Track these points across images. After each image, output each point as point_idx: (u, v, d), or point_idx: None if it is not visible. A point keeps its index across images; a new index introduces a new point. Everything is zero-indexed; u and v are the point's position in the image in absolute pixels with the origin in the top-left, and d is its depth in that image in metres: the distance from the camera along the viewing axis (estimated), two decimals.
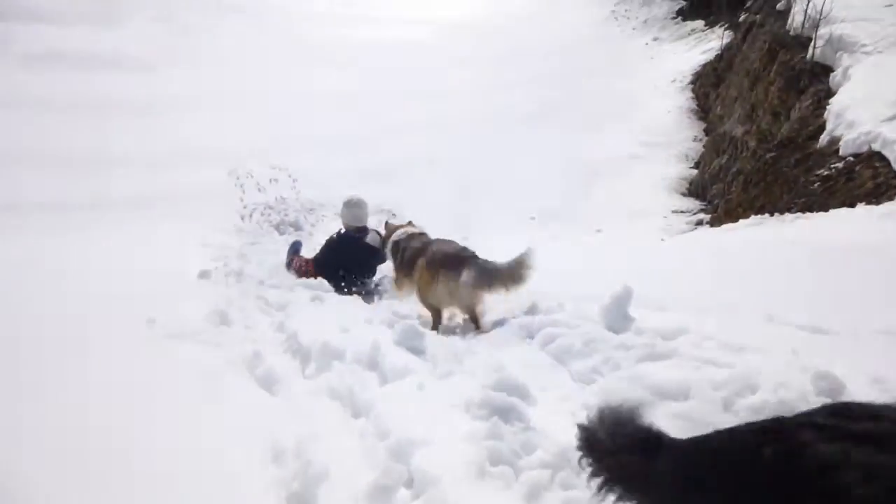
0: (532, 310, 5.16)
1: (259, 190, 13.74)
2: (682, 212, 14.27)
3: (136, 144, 15.57)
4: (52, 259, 8.25)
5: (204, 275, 6.97)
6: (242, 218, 12.75)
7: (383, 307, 6.31)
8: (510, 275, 5.10)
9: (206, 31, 23.93)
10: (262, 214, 13.11)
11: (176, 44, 22.23)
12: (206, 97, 18.71)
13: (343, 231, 7.59)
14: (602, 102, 20.57)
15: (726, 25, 21.75)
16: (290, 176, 14.18)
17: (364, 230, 7.54)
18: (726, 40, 20.37)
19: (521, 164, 16.76)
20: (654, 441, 1.36)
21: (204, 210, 12.69)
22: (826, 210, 8.18)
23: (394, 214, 13.07)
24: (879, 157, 8.19)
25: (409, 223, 6.92)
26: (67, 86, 17.67)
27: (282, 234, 12.42)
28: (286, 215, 13.20)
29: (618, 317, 4.23)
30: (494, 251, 5.74)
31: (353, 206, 7.64)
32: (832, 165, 9.33)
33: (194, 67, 20.73)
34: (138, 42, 21.76)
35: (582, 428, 1.60)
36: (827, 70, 11.61)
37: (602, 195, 15.28)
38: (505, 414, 3.03)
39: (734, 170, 13.78)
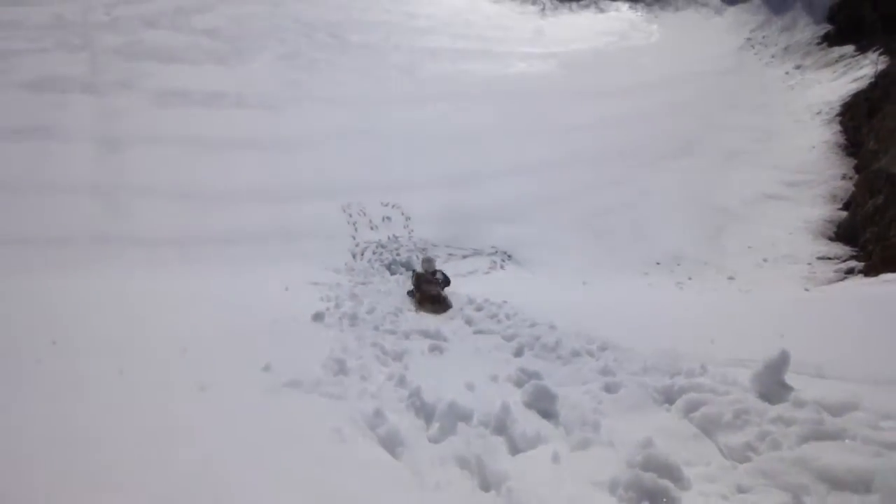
0: (670, 371, 4.86)
1: (371, 228, 14.10)
2: (828, 258, 13.30)
3: (256, 180, 16.48)
4: (168, 293, 8.75)
5: (318, 317, 7.03)
6: (354, 256, 13.14)
7: (508, 362, 6.03)
8: None
9: (330, 67, 25.25)
10: (374, 253, 13.38)
11: (299, 80, 23.55)
12: (326, 133, 19.58)
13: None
14: (737, 137, 19.74)
15: (881, 50, 20.47)
16: (402, 214, 14.53)
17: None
18: (881, 66, 19.17)
19: (647, 203, 16.24)
20: None
21: (316, 246, 13.35)
22: None
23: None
24: None
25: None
26: (195, 122, 19.11)
27: (393, 273, 12.68)
28: (398, 255, 13.36)
29: (772, 384, 3.90)
30: (613, 298, 5.49)
31: (427, 262, 10.73)
32: None
33: (315, 104, 21.86)
34: (263, 80, 23.22)
35: None
36: None
37: (735, 238, 14.58)
38: (655, 499, 2.84)
39: (893, 211, 12.75)
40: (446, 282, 10.21)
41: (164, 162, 16.44)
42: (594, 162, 18.59)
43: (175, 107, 19.92)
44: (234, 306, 7.57)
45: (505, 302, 8.46)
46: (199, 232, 13.41)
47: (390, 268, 12.90)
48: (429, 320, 8.06)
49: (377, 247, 13.59)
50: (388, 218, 14.40)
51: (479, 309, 8.34)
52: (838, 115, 19.37)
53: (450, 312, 8.72)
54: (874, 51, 20.93)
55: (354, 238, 13.61)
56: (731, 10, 29.80)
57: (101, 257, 11.95)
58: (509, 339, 6.67)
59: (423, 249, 13.72)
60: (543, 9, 33.87)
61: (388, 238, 13.91)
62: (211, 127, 18.91)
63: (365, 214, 14.35)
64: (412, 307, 9.11)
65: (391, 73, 25.48)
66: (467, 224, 14.65)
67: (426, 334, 6.87)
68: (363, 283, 11.44)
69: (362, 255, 13.16)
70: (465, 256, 13.70)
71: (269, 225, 14.02)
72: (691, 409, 4.01)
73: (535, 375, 5.22)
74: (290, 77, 23.75)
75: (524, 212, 15.62)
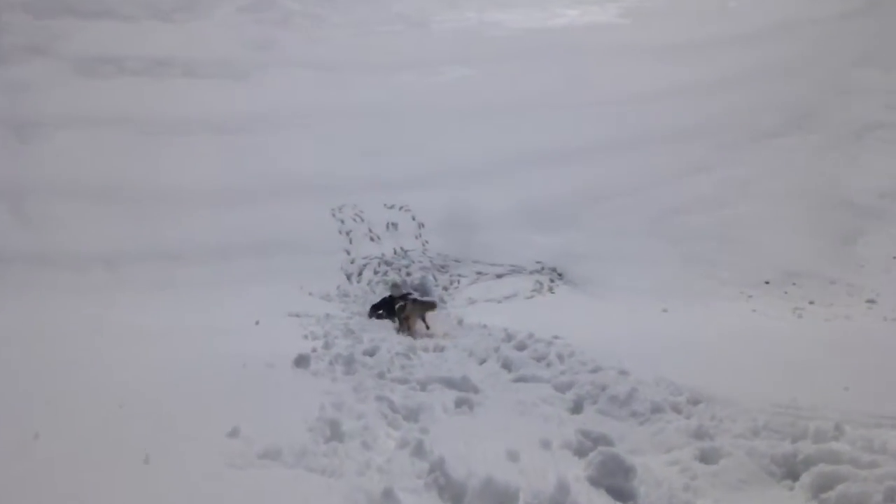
0: (790, 433, 4.85)
1: (372, 238, 14.18)
2: None
3: (214, 175, 16.46)
4: (97, 329, 8.76)
5: (302, 361, 7.03)
6: (349, 277, 13.15)
7: (563, 421, 5.99)
8: None
9: (311, 21, 25.26)
10: (376, 272, 13.39)
11: (270, 39, 23.54)
12: (307, 111, 19.56)
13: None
14: (872, 105, 19.53)
15: None
16: (414, 219, 14.60)
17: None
18: None
19: (746, 197, 16.12)
20: None
21: (298, 264, 13.38)
22: None
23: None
24: None
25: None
26: (130, 98, 19.13)
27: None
28: (408, 274, 13.39)
29: None
30: (705, 331, 5.49)
31: (396, 287, 12.10)
32: None
33: (292, 72, 21.86)
34: (221, 40, 23.21)
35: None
36: None
37: (873, 246, 14.35)
38: None
39: None
40: (424, 304, 11.19)
41: (90, 152, 16.54)
42: (670, 143, 18.53)
43: (103, 78, 20.06)
44: (187, 347, 7.57)
45: (556, 338, 8.44)
46: (137, 246, 13.52)
47: (397, 291, 12.77)
48: (450, 363, 8.03)
49: (380, 264, 13.66)
50: (394, 225, 14.50)
51: (521, 348, 8.28)
52: None
53: (470, 341, 9.10)
54: None
55: (349, 253, 13.72)
56: None
57: (4, 281, 12.02)
58: (564, 388, 6.66)
59: (443, 267, 13.80)
60: None
61: (395, 252, 13.99)
62: (152, 104, 19.00)
63: (363, 220, 14.46)
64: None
65: (395, 28, 25.52)
66: (501, 231, 14.71)
67: (449, 383, 6.83)
68: (361, 314, 11.50)
69: (360, 275, 13.21)
70: (499, 276, 13.71)
71: (232, 236, 14.12)
72: (824, 487, 4.00)
73: (603, 440, 5.16)
74: (256, 35, 23.78)
75: (578, 213, 15.59)
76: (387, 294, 11.93)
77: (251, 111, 19.39)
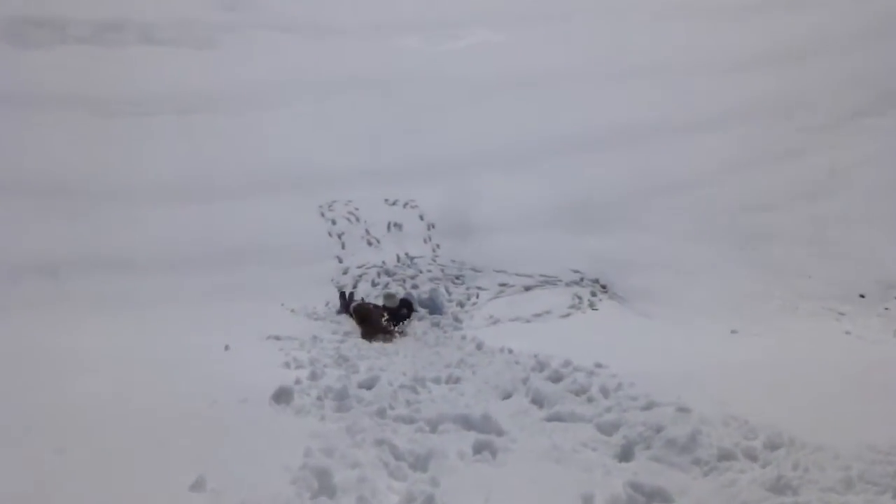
0: (892, 484, 4.87)
1: (369, 242, 14.35)
2: None
3: (171, 164, 16.56)
4: (21, 354, 8.67)
5: (282, 396, 6.99)
6: (342, 292, 13.21)
7: (610, 470, 5.94)
8: None
9: None
10: (375, 284, 13.50)
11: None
12: (286, 85, 19.69)
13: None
14: None
15: None
16: (422, 218, 14.82)
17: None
18: None
19: (838, 189, 16.23)
20: None
21: (277, 275, 13.52)
22: None
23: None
24: None
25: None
26: (74, 70, 19.14)
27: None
28: (415, 286, 13.53)
29: None
30: (785, 358, 5.47)
31: (389, 298, 12.75)
32: None
33: (268, 37, 21.90)
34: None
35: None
36: None
37: None
38: None
39: None
40: (404, 312, 12.54)
41: (22, 138, 16.62)
42: (740, 123, 18.57)
43: (39, 46, 20.07)
44: (141, 378, 7.55)
45: (599, 366, 8.46)
46: (81, 253, 13.54)
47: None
48: (468, 398, 7.95)
49: (380, 274, 13.77)
50: (397, 226, 14.64)
51: (555, 378, 8.25)
52: None
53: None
54: None
55: (341, 260, 13.84)
56: None
57: None
58: (609, 429, 6.60)
59: (458, 278, 13.91)
60: None
61: (399, 259, 14.09)
62: (100, 78, 19.05)
63: (358, 220, 14.63)
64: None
65: None
66: (530, 233, 14.84)
67: (467, 423, 6.75)
68: (352, 333, 11.75)
69: (355, 287, 13.27)
70: (528, 288, 13.76)
71: (197, 241, 14.19)
72: None
73: (658, 495, 5.14)
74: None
75: (627, 211, 15.69)
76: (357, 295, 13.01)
77: (220, 86, 19.47)
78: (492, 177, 16.58)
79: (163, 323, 11.62)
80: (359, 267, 13.97)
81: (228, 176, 16.04)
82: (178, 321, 11.76)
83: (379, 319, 12.20)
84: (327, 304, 13.02)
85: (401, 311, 12.81)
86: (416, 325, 12.89)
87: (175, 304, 12.49)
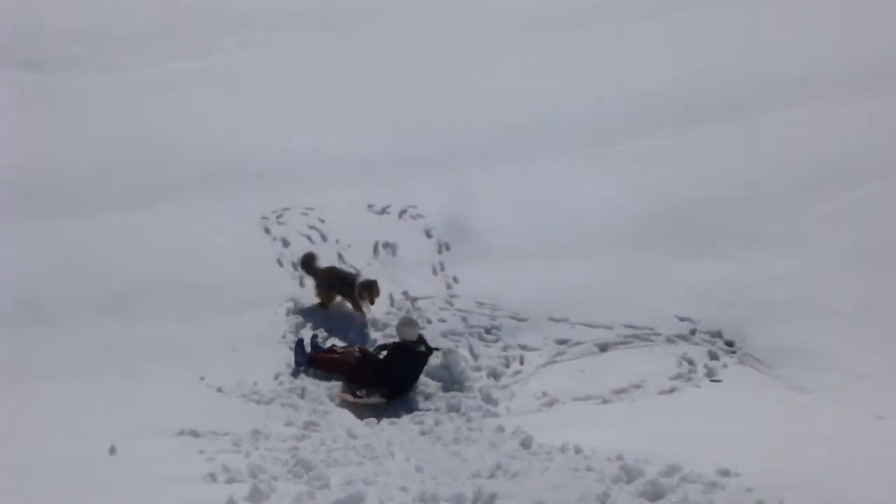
0: None
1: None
2: None
3: (32, 151, 16.71)
4: None
5: None
6: (298, 350, 13.37)
7: None
8: None
9: None
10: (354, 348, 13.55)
11: None
12: (217, 32, 20.40)
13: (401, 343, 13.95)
14: None
15: None
16: (429, 235, 15.04)
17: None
18: None
19: None
20: None
21: (202, 331, 13.52)
22: None
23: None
24: None
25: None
26: None
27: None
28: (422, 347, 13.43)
29: None
30: None
31: (409, 326, 13.92)
32: None
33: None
34: None
35: None
36: None
37: None
38: None
39: None
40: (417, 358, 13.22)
41: None
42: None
43: None
44: None
45: (725, 474, 8.30)
46: None
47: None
48: None
49: (363, 328, 14.09)
50: (390, 247, 14.83)
51: (655, 496, 8.10)
52: None
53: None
54: None
55: (296, 305, 14.01)
56: None
57: None
58: None
59: (490, 331, 13.78)
60: None
61: (393, 302, 14.39)
62: None
63: (324, 238, 14.89)
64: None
65: None
66: (602, 256, 14.79)
67: None
68: (319, 424, 11.65)
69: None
70: (604, 348, 13.77)
71: (57, 275, 14.19)
72: None
73: None
74: None
75: (754, 217, 15.63)
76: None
77: (112, 32, 20.03)
78: (536, 168, 16.68)
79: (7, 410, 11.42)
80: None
81: (112, 170, 16.03)
82: (29, 406, 11.65)
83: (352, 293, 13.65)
84: (277, 378, 12.97)
85: (415, 354, 13.17)
86: (421, 402, 13.04)
87: (26, 378, 12.33)
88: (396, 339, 13.50)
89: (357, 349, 13.11)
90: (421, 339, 13.47)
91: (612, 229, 15.35)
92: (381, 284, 14.59)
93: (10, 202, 15.62)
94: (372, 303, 14.16)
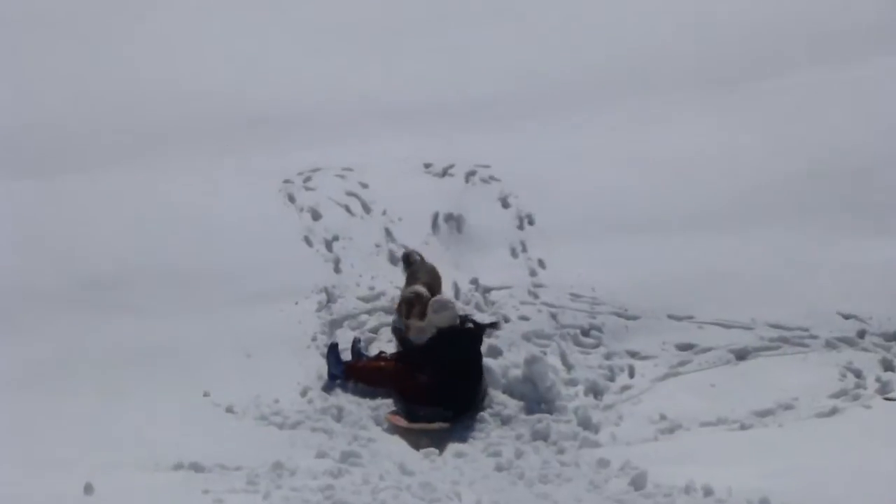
0: None
1: (395, 257, 14.48)
2: None
3: (40, 103, 16.67)
4: None
5: None
6: (335, 375, 13.12)
7: None
8: None
9: None
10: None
11: None
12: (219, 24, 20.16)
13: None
14: None
15: None
16: (505, 203, 14.96)
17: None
18: None
19: None
20: None
21: (205, 332, 13.51)
22: None
23: None
24: None
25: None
26: None
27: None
28: (498, 354, 13.50)
29: None
30: None
31: (443, 310, 13.77)
32: None
33: None
34: None
35: None
36: None
37: None
38: None
39: None
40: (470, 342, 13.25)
41: None
42: None
43: None
44: None
45: None
46: None
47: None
48: None
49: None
50: (455, 219, 14.76)
51: None
52: None
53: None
54: None
55: (331, 298, 13.85)
56: None
57: None
58: None
59: (589, 332, 13.69)
60: None
61: (458, 294, 14.35)
62: None
63: (368, 209, 14.83)
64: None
65: None
66: (741, 232, 14.51)
67: None
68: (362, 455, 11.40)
69: (361, 355, 13.29)
70: (742, 357, 13.54)
71: (23, 260, 14.10)
72: None
73: None
74: None
75: None
76: None
77: None
78: (645, 115, 16.66)
79: None
80: (364, 311, 13.98)
81: (79, 118, 16.03)
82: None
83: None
84: (305, 395, 12.77)
85: (460, 334, 13.39)
86: (495, 431, 12.59)
87: None
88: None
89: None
90: (466, 319, 13.52)
91: (749, 196, 15.20)
92: (441, 270, 14.24)
93: None
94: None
